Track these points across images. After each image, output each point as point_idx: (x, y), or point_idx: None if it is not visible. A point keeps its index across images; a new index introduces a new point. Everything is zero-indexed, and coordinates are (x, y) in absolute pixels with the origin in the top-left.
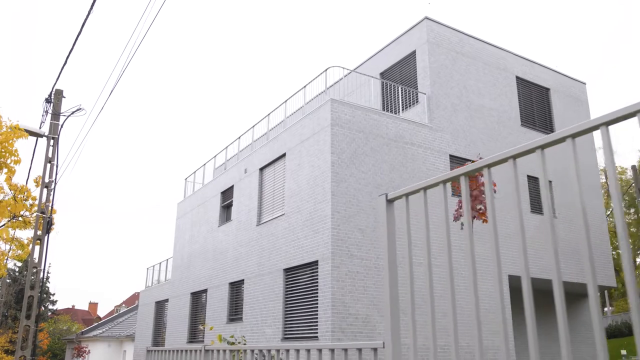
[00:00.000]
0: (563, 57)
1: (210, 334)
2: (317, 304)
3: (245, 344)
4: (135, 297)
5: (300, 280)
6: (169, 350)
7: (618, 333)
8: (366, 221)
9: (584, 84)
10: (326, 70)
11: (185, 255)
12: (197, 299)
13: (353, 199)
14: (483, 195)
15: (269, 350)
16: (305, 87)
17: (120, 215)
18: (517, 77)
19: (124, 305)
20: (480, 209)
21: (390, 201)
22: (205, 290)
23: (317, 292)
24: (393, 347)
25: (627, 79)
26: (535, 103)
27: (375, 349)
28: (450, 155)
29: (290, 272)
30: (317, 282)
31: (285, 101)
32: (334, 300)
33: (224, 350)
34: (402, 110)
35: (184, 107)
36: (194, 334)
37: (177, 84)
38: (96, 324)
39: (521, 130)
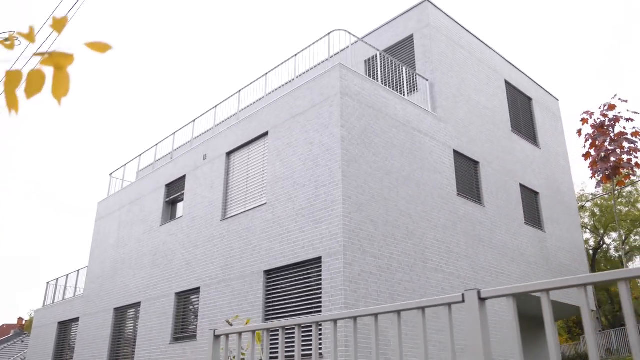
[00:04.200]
0: (540, 68)
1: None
2: (319, 313)
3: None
4: (5, 329)
5: (290, 283)
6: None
7: None
8: (378, 212)
9: (558, 100)
10: (329, 34)
11: (108, 263)
12: (123, 316)
13: (364, 184)
14: (630, 153)
15: None
16: (296, 55)
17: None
18: (506, 81)
19: None
20: (624, 168)
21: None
22: (137, 304)
23: (319, 298)
24: None
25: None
26: (522, 110)
27: None
28: (454, 151)
29: (274, 275)
30: (319, 285)
31: (266, 74)
32: (347, 307)
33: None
34: (408, 94)
35: (106, 92)
36: (117, 358)
37: (112, 61)
38: None
39: (512, 136)
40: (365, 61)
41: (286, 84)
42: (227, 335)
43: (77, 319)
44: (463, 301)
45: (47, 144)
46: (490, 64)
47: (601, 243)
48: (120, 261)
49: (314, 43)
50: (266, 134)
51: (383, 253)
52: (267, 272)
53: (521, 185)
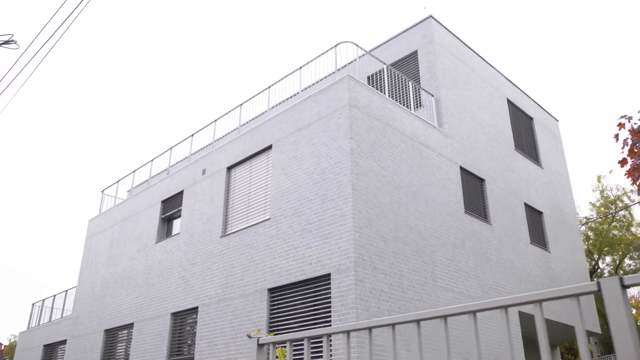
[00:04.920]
0: (539, 89)
1: None
2: None
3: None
4: None
5: (296, 301)
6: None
7: None
8: (388, 227)
9: (557, 120)
10: (336, 45)
11: (99, 283)
12: (114, 338)
13: (374, 199)
14: None
15: None
16: (301, 67)
17: None
18: (508, 100)
19: None
20: None
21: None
22: (130, 325)
23: (328, 316)
24: None
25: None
26: (523, 129)
27: None
28: (461, 167)
29: (279, 293)
30: (328, 303)
31: (269, 87)
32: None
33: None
34: (415, 109)
35: (101, 107)
36: None
37: (104, 73)
38: None
39: (515, 154)
40: (368, 77)
41: (290, 97)
42: (273, 344)
43: (64, 342)
44: (599, 290)
45: (37, 157)
46: (492, 82)
47: (596, 267)
48: (111, 280)
49: (320, 55)
50: (270, 147)
51: (393, 270)
52: (271, 290)
53: (525, 205)
